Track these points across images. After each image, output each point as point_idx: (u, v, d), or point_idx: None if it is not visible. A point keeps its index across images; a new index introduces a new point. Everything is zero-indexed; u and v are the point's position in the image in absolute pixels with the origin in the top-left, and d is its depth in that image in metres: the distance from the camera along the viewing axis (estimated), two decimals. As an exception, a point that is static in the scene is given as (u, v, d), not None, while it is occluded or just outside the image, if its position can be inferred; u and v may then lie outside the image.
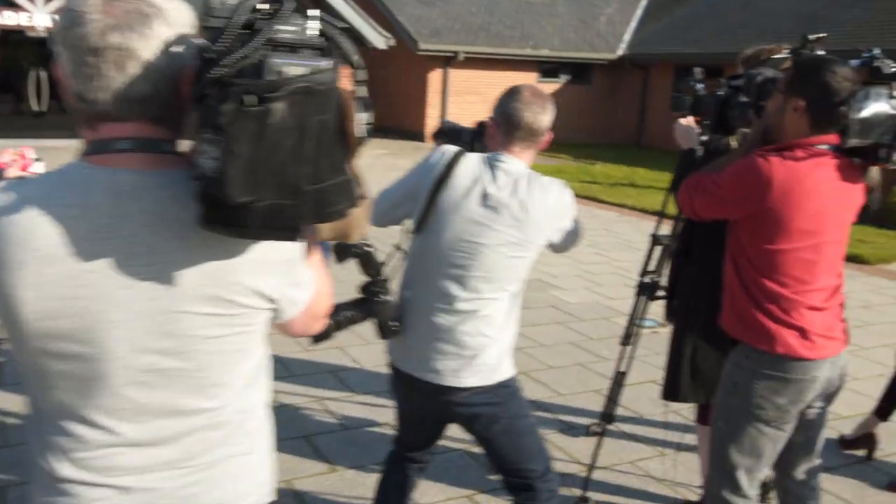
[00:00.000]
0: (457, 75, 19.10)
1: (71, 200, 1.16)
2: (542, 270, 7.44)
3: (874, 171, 2.52)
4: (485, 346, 2.36)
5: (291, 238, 1.18)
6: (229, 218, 1.09)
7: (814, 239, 2.36)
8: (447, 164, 2.35)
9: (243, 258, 1.23)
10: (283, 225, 1.13)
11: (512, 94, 2.37)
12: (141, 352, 1.20)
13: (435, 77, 19.06)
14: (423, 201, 2.35)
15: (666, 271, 3.47)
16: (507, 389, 2.44)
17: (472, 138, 2.63)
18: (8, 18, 13.11)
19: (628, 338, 3.69)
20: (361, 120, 1.19)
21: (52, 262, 1.14)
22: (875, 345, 5.76)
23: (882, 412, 3.97)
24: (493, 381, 2.39)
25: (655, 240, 3.64)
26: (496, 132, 2.39)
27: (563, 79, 20.42)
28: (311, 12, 1.15)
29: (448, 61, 18.81)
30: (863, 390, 4.78)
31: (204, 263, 1.19)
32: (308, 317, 1.41)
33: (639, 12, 22.00)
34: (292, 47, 1.10)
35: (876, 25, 15.07)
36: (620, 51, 20.34)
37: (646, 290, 3.56)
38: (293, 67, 1.07)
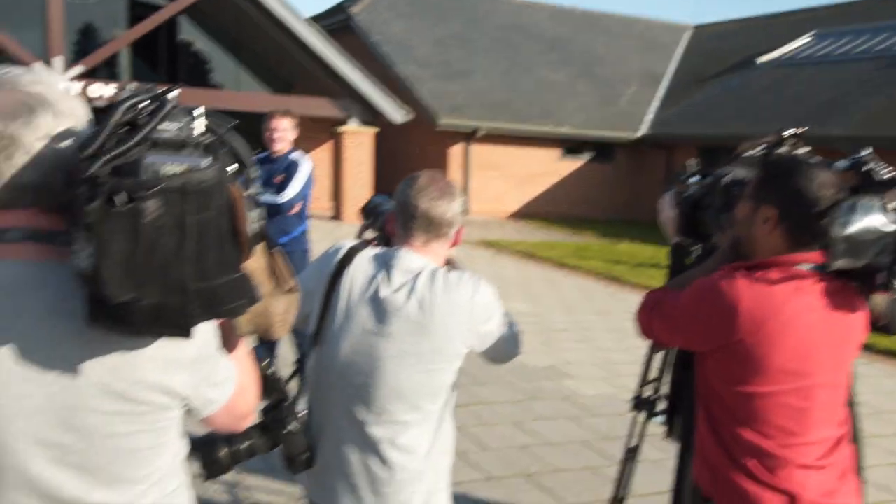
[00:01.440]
0: (478, 150, 19.14)
1: None
2: (557, 356, 7.11)
3: (879, 298, 2.00)
4: (404, 482, 1.98)
5: (183, 336, 1.13)
6: (113, 316, 1.07)
7: (801, 381, 1.89)
8: (339, 263, 2.03)
9: (147, 354, 1.18)
10: (171, 323, 1.10)
11: (407, 181, 2.07)
12: (43, 446, 1.16)
13: (456, 152, 19.10)
14: (318, 307, 2.03)
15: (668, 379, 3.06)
16: None
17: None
18: None
19: (631, 452, 3.26)
20: (253, 218, 1.19)
21: None
22: (891, 433, 5.44)
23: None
24: None
25: (655, 345, 3.19)
26: (395, 226, 2.08)
27: (587, 156, 20.43)
28: (197, 111, 1.15)
29: (469, 137, 18.87)
30: (876, 480, 4.31)
31: (105, 359, 1.16)
32: (229, 416, 1.38)
33: (661, 93, 22.12)
34: (175, 145, 1.09)
35: (901, 111, 14.95)
36: (642, 131, 20.36)
37: (642, 406, 3.12)
38: (169, 166, 1.06)
